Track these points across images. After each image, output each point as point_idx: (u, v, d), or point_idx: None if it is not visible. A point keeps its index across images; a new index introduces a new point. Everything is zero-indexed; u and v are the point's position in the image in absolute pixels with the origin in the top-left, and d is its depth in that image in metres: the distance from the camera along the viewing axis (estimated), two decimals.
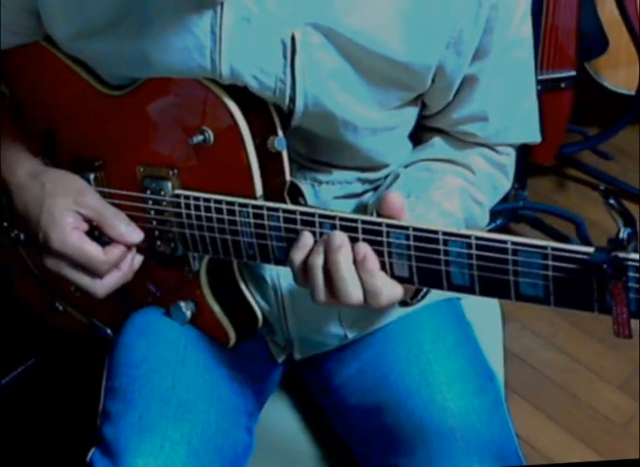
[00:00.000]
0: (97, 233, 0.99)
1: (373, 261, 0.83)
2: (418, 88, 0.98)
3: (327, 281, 0.85)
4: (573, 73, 2.00)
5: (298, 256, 0.87)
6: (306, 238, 0.87)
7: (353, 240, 0.84)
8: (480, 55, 0.96)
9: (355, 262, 0.84)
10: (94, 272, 0.98)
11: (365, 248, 0.84)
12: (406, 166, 1.06)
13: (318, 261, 0.85)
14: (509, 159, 1.09)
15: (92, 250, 0.97)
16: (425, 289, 0.91)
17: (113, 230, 0.99)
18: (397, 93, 0.97)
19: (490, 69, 0.98)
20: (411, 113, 1.03)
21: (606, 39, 2.09)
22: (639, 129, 2.38)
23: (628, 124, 2.20)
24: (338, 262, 0.83)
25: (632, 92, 2.12)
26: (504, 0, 0.93)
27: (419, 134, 1.09)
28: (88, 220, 0.99)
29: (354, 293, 0.83)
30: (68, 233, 0.97)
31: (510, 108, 1.03)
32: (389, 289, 0.84)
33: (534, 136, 1.08)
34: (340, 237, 0.84)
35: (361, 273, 0.83)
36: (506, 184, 1.11)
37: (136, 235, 1.00)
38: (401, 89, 0.97)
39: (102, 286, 0.99)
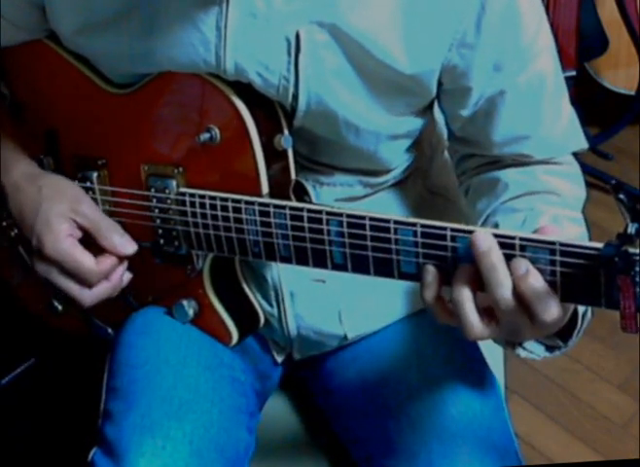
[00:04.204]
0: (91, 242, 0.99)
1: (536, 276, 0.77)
2: (425, 93, 0.97)
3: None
4: (573, 73, 2.00)
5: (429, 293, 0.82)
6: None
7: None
8: (499, 67, 0.94)
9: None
10: (84, 282, 0.98)
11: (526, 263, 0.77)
12: (488, 215, 1.01)
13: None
14: (572, 167, 1.05)
15: (85, 259, 0.97)
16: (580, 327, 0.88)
17: (107, 240, 0.98)
18: (402, 99, 0.97)
19: (516, 82, 0.96)
20: (417, 124, 1.02)
21: (606, 39, 2.09)
22: (639, 129, 2.38)
23: (628, 124, 2.20)
24: (494, 265, 0.77)
25: (632, 92, 2.13)
26: (511, 11, 0.92)
27: (481, 174, 1.06)
28: (82, 228, 0.98)
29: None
30: (62, 239, 0.96)
31: (549, 121, 1.00)
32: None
33: (582, 143, 1.05)
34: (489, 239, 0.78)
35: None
36: (581, 193, 1.05)
37: (130, 247, 0.99)
38: (406, 96, 0.96)
39: (89, 296, 0.99)
